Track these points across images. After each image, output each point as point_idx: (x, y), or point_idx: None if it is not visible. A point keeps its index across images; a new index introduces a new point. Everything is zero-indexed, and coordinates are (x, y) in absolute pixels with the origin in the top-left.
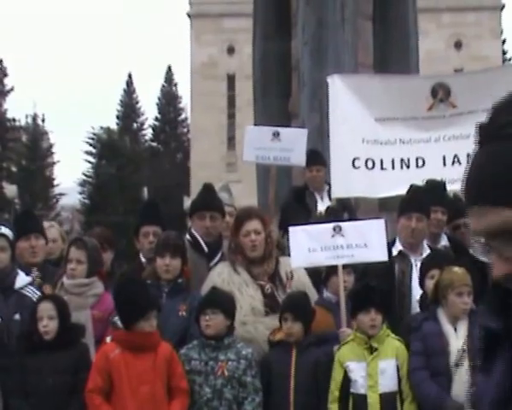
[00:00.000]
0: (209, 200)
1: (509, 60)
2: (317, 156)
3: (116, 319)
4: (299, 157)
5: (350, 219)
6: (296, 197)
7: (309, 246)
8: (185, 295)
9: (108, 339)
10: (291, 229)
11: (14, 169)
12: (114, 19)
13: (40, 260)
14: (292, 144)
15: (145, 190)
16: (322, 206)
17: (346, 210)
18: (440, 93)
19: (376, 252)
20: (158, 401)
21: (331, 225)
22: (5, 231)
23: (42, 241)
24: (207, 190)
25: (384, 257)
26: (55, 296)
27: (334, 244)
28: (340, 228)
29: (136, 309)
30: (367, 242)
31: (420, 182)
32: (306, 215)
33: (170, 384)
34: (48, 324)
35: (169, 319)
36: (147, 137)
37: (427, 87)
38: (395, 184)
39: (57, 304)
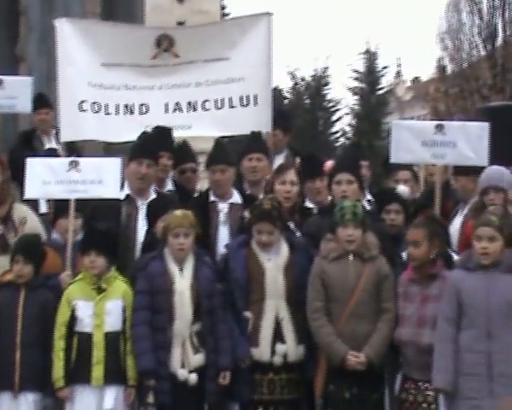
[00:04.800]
0: None
1: (228, 15)
2: (43, 100)
3: None
4: (24, 105)
5: None
6: (24, 141)
7: (44, 178)
8: None
9: None
10: (29, 160)
11: None
12: None
13: None
14: (17, 92)
15: None
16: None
17: (73, 154)
18: (165, 43)
19: (110, 189)
20: None
21: (68, 159)
22: None
23: None
24: None
25: (116, 194)
26: None
27: (70, 179)
28: (77, 163)
29: None
30: (102, 178)
31: (144, 128)
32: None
33: None
34: None
35: None
36: None
37: (153, 37)
38: (121, 130)
39: None
